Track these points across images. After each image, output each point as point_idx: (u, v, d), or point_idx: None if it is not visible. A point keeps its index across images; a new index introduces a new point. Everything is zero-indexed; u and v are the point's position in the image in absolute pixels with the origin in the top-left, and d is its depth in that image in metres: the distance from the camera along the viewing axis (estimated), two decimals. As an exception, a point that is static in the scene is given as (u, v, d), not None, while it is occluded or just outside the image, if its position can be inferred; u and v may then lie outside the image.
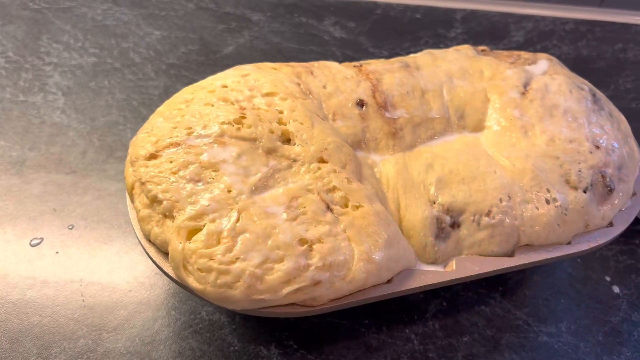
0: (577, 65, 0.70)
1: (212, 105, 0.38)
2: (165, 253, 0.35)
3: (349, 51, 0.70)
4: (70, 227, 0.48)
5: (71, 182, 0.52)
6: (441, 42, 0.73)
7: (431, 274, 0.36)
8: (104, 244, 0.47)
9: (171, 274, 0.34)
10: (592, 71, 0.70)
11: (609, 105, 0.45)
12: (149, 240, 0.36)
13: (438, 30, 0.74)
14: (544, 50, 0.72)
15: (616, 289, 0.47)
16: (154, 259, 0.35)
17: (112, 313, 0.43)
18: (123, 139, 0.56)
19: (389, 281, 0.36)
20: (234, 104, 0.38)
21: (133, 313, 0.43)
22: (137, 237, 0.36)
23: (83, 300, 0.43)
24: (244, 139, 0.36)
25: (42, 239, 0.47)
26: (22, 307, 0.43)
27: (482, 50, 0.49)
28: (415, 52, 0.70)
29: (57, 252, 0.46)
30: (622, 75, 0.69)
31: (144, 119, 0.58)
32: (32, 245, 0.46)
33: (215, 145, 0.36)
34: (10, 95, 0.60)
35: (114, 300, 0.43)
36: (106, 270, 0.45)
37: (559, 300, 0.46)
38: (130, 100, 0.60)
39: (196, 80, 0.62)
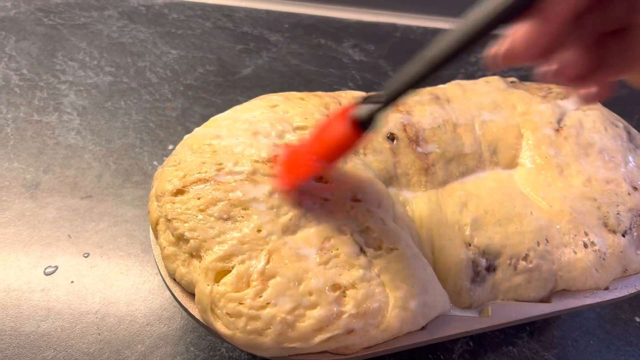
0: (600, 93, 0.69)
1: (245, 142, 0.37)
2: (190, 293, 0.34)
3: (368, 75, 0.69)
4: (85, 255, 0.47)
5: (86, 207, 0.50)
6: (462, 66, 0.72)
7: (467, 321, 0.35)
8: (120, 273, 0.46)
9: (197, 316, 0.33)
10: (615, 100, 0.68)
11: (644, 143, 0.44)
12: (174, 279, 0.34)
13: (458, 55, 0.73)
14: (566, 77, 0.71)
15: (647, 331, 0.46)
16: (180, 300, 0.34)
17: (129, 348, 0.41)
18: (140, 162, 0.55)
19: (423, 328, 0.34)
20: (266, 140, 0.37)
21: (151, 348, 0.41)
22: (162, 276, 0.35)
23: (99, 334, 0.42)
24: (276, 176, 0.35)
25: (56, 267, 0.46)
26: (35, 340, 0.41)
27: (512, 82, 0.48)
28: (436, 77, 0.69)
29: (72, 282, 0.45)
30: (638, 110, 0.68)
31: (161, 141, 0.57)
32: (46, 274, 0.45)
33: (246, 183, 0.34)
34: (25, 114, 0.59)
35: (131, 334, 0.42)
36: (123, 302, 0.44)
37: (588, 341, 0.45)
38: (147, 122, 0.59)
39: (214, 102, 0.61)
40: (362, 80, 0.68)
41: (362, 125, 0.29)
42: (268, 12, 0.78)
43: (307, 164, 0.33)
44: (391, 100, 0.28)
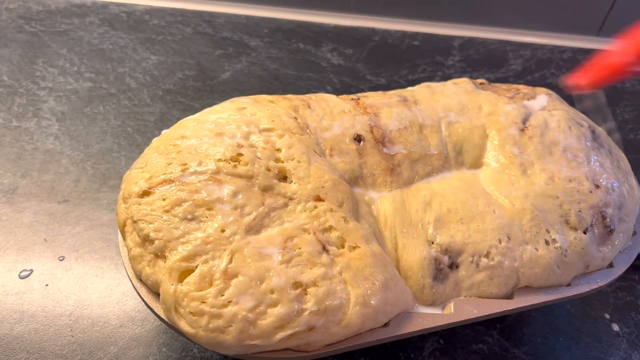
0: (575, 94, 0.70)
1: (209, 141, 0.37)
2: (156, 293, 0.34)
3: (346, 78, 0.70)
4: (60, 258, 0.47)
5: (63, 212, 0.51)
6: (439, 69, 0.72)
7: (429, 317, 0.35)
8: (94, 276, 0.46)
9: (163, 315, 0.33)
10: (590, 101, 0.70)
11: (609, 142, 0.45)
12: (141, 280, 0.35)
13: (436, 58, 0.74)
14: (542, 79, 0.72)
15: (616, 327, 0.46)
16: (146, 300, 0.34)
17: (102, 349, 0.42)
18: (117, 166, 0.55)
19: (385, 325, 0.35)
20: (231, 140, 0.37)
21: (124, 350, 0.42)
22: (129, 276, 0.36)
23: (72, 336, 0.42)
24: (240, 176, 0.36)
25: (31, 270, 0.46)
26: (9, 342, 0.41)
27: (481, 84, 0.49)
28: (413, 79, 0.70)
29: (46, 285, 0.45)
30: (620, 106, 0.69)
31: (139, 146, 0.58)
32: (21, 278, 0.46)
33: (210, 183, 0.35)
34: (4, 120, 0.59)
35: (104, 336, 0.42)
36: (97, 304, 0.44)
37: (558, 338, 0.46)
38: (125, 127, 0.60)
39: (192, 107, 0.62)
40: (340, 84, 0.69)
41: None
42: (248, 17, 0.79)
43: (618, 66, 0.33)
44: None
